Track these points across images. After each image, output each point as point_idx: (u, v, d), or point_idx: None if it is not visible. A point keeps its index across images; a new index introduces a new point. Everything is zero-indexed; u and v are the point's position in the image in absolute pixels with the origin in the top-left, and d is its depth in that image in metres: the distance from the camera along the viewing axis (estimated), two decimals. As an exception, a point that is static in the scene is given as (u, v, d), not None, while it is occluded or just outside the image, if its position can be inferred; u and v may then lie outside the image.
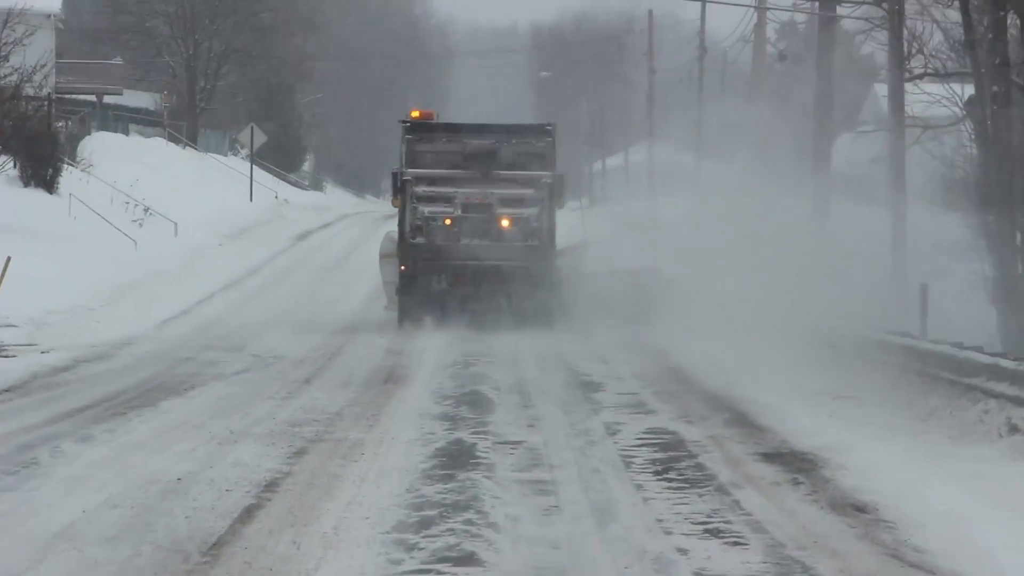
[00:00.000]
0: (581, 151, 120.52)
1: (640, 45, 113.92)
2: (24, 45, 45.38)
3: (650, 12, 71.20)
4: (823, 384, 22.49)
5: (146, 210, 52.16)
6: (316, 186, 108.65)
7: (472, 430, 17.94)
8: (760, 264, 31.11)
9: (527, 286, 33.26)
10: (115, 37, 78.21)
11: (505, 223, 33.74)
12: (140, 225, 51.04)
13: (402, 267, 33.77)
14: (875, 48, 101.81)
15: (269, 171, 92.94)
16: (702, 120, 66.33)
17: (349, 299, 39.00)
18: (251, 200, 69.14)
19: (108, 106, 76.02)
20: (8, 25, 46.90)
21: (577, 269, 36.51)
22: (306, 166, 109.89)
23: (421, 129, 34.58)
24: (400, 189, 33.86)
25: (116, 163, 59.80)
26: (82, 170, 53.95)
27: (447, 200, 33.83)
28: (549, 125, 35.54)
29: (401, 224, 34.14)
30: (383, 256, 35.46)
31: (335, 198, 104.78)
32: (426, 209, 33.80)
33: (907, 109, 33.52)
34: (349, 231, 65.90)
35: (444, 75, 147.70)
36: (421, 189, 33.84)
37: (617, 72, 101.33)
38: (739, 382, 22.30)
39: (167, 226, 52.50)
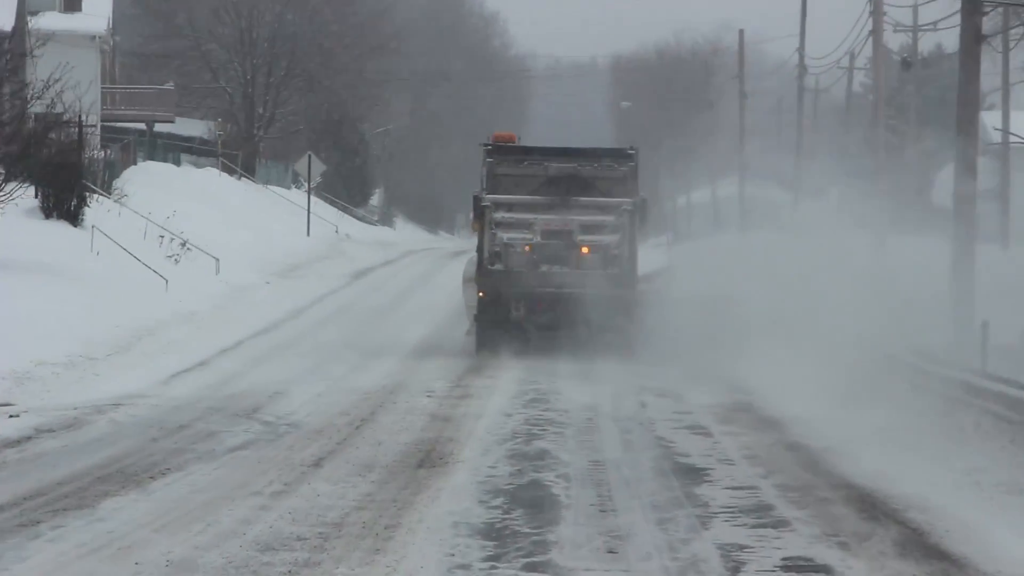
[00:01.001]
0: (664, 184, 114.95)
1: (729, 68, 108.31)
2: (62, 65, 39.95)
3: (741, 32, 65.48)
4: (976, 460, 16.97)
5: (183, 244, 46.86)
6: (386, 221, 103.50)
7: (525, 558, 12.31)
8: (841, 297, 30.83)
9: (607, 315, 32.44)
10: (168, 62, 73.18)
11: (585, 250, 33.02)
12: (176, 262, 45.78)
13: (480, 293, 33.18)
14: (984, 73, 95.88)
15: (334, 205, 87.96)
16: (800, 148, 60.33)
17: (398, 347, 33.39)
18: (308, 235, 63.88)
19: (159, 134, 71.07)
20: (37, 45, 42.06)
21: (660, 295, 36.79)
22: (375, 200, 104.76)
23: (502, 152, 33.99)
24: (479, 214, 33.33)
25: (158, 194, 54.80)
26: (115, 200, 48.83)
27: (526, 226, 33.25)
28: (632, 149, 34.56)
29: (480, 250, 33.52)
30: (465, 280, 35.27)
31: (405, 234, 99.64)
32: (505, 235, 33.16)
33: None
34: (412, 268, 60.54)
35: (521, 106, 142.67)
36: (500, 215, 33.23)
37: (702, 99, 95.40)
38: (880, 465, 16.87)
39: (208, 263, 47.23)
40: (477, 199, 33.54)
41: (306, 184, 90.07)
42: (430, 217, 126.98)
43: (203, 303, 40.79)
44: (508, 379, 28.58)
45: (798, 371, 27.09)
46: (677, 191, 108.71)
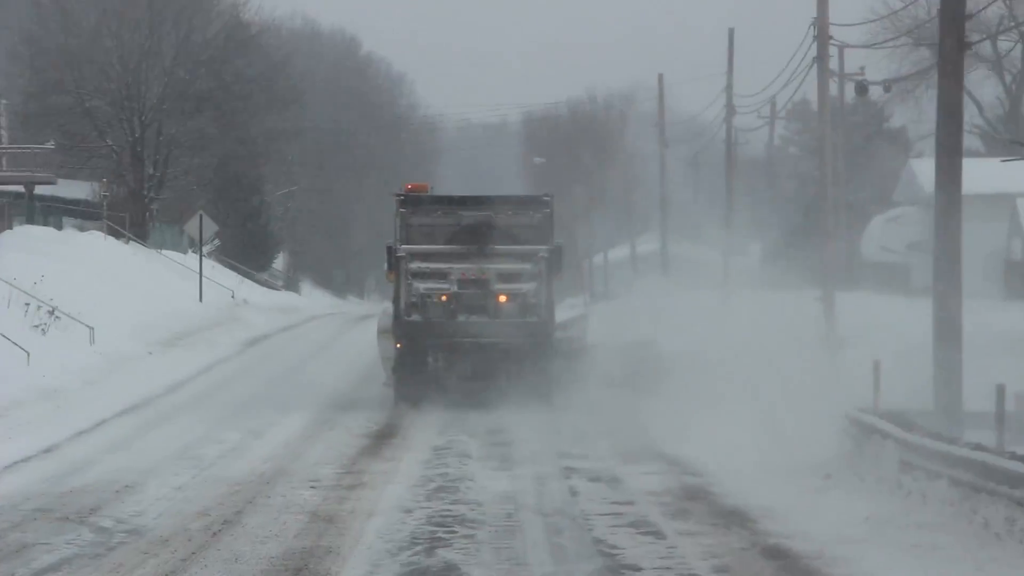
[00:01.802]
0: (580, 243, 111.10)
1: (645, 119, 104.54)
2: None
3: (660, 76, 61.50)
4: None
5: (51, 312, 42.04)
6: (291, 287, 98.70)
7: None
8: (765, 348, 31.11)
9: (526, 363, 32.47)
10: (49, 120, 68.14)
11: (502, 299, 32.80)
12: (43, 332, 40.91)
13: (397, 345, 32.92)
14: (908, 121, 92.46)
15: (235, 270, 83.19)
16: (730, 200, 56.33)
17: (285, 427, 28.77)
18: (200, 301, 59.07)
19: (40, 197, 66.14)
20: None
21: (577, 342, 36.92)
22: (279, 264, 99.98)
23: (415, 202, 33.62)
24: (394, 264, 33.08)
25: (33, 259, 49.82)
26: (-26, 266, 44.03)
27: (442, 276, 32.97)
28: (547, 196, 34.14)
29: (396, 300, 33.21)
30: (380, 332, 34.34)
31: (311, 299, 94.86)
32: (421, 285, 32.93)
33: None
34: (314, 334, 55.90)
35: (432, 165, 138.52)
36: (415, 265, 32.97)
37: (618, 151, 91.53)
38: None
39: (82, 333, 42.41)
40: (391, 249, 33.15)
41: (207, 249, 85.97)
42: (339, 282, 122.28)
43: (70, 377, 36.06)
44: (411, 461, 24.12)
45: (748, 436, 24.32)
46: (594, 249, 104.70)
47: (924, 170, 75.56)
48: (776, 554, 15.26)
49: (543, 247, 32.89)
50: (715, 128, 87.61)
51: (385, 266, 33.98)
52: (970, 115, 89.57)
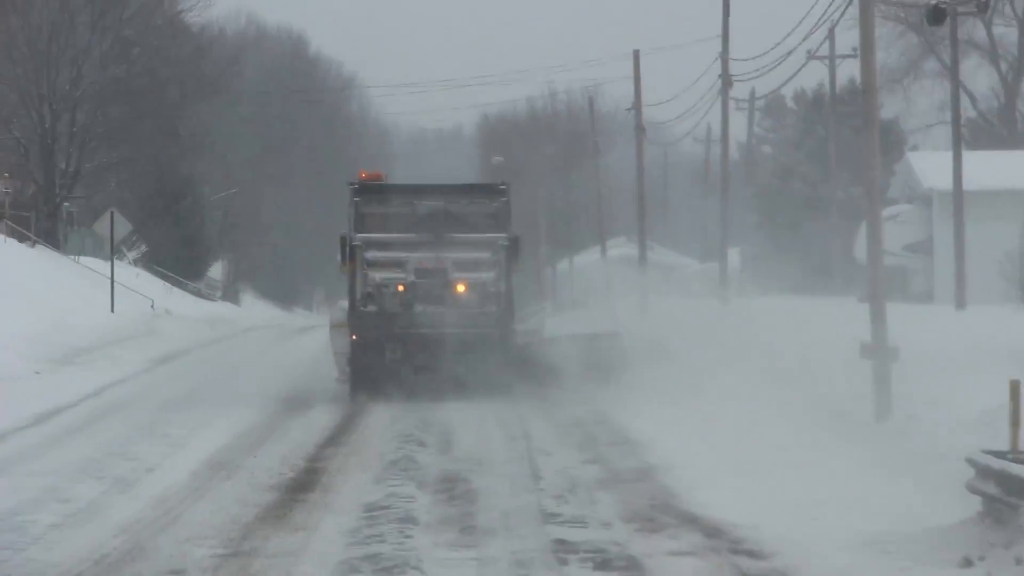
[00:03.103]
0: (541, 250, 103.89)
1: (612, 118, 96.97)
2: None
3: (636, 53, 54.08)
4: None
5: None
6: (230, 297, 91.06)
7: None
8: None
9: (486, 354, 31.65)
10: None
11: (461, 288, 32.33)
12: None
13: (353, 336, 31.94)
14: (899, 113, 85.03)
15: (167, 279, 75.50)
16: (726, 192, 48.95)
17: (166, 473, 21.05)
18: (112, 311, 51.42)
19: (-66, 195, 58.54)
20: None
21: (536, 334, 36.84)
22: (217, 273, 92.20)
23: (369, 191, 33.00)
24: (349, 255, 32.12)
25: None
26: None
27: (399, 265, 32.50)
28: (503, 184, 33.93)
29: (352, 291, 32.30)
30: (333, 325, 33.80)
31: (252, 310, 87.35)
32: (377, 275, 32.41)
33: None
34: (242, 348, 48.50)
35: (386, 170, 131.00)
36: (371, 254, 32.44)
37: (584, 145, 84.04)
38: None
39: (-54, 348, 34.94)
40: (345, 239, 32.18)
41: (133, 255, 78.14)
42: (284, 293, 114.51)
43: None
44: (329, 531, 16.61)
45: (803, 480, 19.27)
46: (556, 257, 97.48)
47: (923, 165, 68.17)
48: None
49: (502, 235, 32.15)
50: (693, 115, 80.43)
51: (338, 257, 32.62)
52: (963, 108, 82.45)
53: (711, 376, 29.75)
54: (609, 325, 38.31)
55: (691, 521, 16.72)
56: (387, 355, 31.74)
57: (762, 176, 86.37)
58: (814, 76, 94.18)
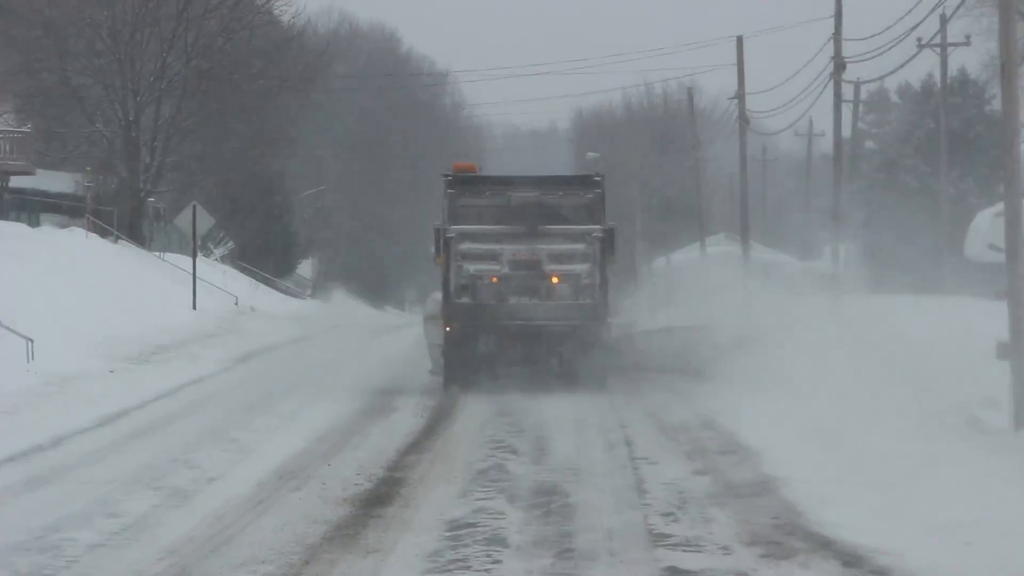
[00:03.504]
0: (636, 247, 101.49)
1: (710, 113, 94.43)
2: None
3: (739, 39, 51.59)
4: None
5: (-27, 321, 32.74)
6: (320, 295, 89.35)
7: None
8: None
9: (579, 347, 31.60)
10: (30, 103, 58.64)
11: (555, 280, 31.99)
12: (-44, 345, 31.70)
13: (447, 328, 31.88)
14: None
15: (255, 276, 73.84)
16: (839, 184, 46.33)
17: (229, 484, 18.96)
18: (194, 308, 49.68)
19: (16, 190, 56.99)
20: None
21: (631, 327, 37.20)
22: (307, 271, 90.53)
23: (463, 183, 32.72)
24: (443, 246, 32.00)
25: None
26: None
27: (493, 257, 32.20)
28: (598, 176, 33.47)
29: (445, 283, 32.15)
30: (427, 317, 34.25)
31: (342, 308, 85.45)
32: (472, 267, 32.16)
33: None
34: (326, 347, 46.53)
35: (481, 164, 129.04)
36: (465, 246, 32.11)
37: (684, 140, 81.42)
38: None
39: (17, 346, 33.19)
40: (439, 231, 32.10)
41: (220, 252, 76.55)
42: (376, 291, 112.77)
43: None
44: (407, 548, 14.52)
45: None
46: (653, 253, 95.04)
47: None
48: None
49: (597, 227, 31.90)
50: (796, 107, 77.73)
51: (432, 249, 32.52)
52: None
53: (822, 376, 27.43)
54: (703, 319, 37.49)
55: (824, 545, 14.47)
56: (480, 347, 31.78)
57: (867, 171, 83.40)
58: (920, 67, 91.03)
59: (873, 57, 36.36)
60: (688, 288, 59.64)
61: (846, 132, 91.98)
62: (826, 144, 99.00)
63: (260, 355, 42.31)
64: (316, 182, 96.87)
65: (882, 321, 32.20)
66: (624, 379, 32.55)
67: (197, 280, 52.49)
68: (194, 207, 49.86)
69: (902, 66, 42.23)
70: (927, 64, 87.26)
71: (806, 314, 35.36)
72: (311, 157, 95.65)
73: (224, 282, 61.43)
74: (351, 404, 28.68)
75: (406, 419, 26.64)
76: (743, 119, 50.42)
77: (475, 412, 27.56)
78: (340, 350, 44.82)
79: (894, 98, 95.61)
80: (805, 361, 28.77)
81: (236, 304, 55.05)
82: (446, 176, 32.95)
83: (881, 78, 53.30)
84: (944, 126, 59.72)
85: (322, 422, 25.68)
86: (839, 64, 37.00)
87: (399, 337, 51.72)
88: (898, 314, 34.36)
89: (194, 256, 51.38)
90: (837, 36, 37.67)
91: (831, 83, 42.19)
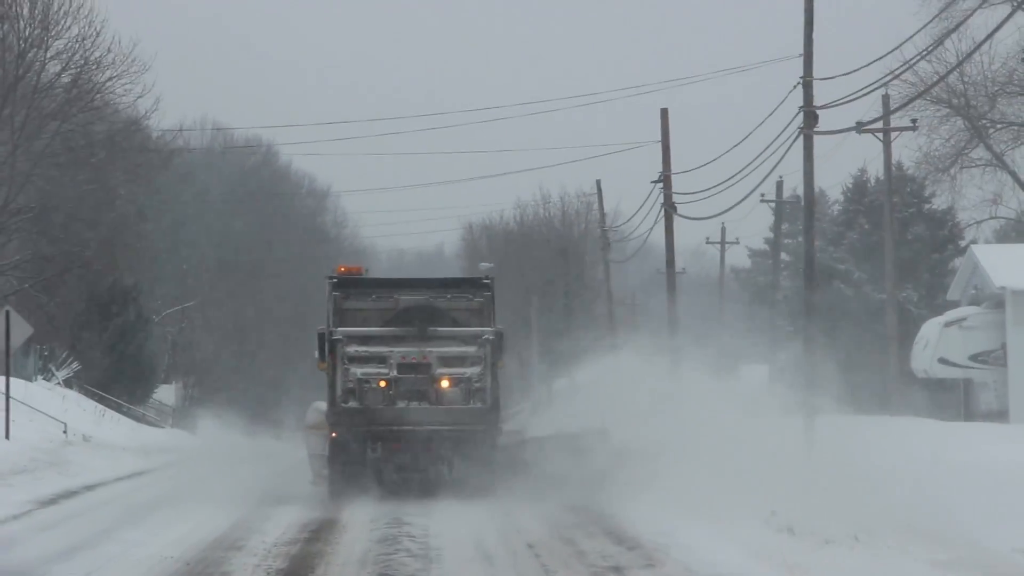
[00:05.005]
0: (534, 368, 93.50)
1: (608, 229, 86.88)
2: None
3: (598, 182, 44.66)
4: None
5: None
6: (183, 423, 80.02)
7: None
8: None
9: (470, 452, 31.02)
10: None
11: (446, 383, 31.33)
12: None
13: (333, 434, 31.12)
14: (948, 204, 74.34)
15: (105, 402, 64.65)
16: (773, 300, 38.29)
17: None
18: (7, 438, 40.54)
19: None
20: None
21: (520, 433, 35.82)
22: (167, 397, 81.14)
23: (349, 284, 32.29)
24: (329, 350, 31.28)
25: None
26: None
27: (381, 360, 31.35)
28: (487, 278, 33.44)
29: (331, 388, 31.24)
30: (309, 427, 33.72)
31: (204, 437, 76.23)
32: (359, 370, 31.27)
33: None
34: (165, 483, 37.56)
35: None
36: (352, 349, 31.35)
37: (581, 252, 73.60)
38: None
39: None
40: (323, 335, 31.50)
41: (64, 374, 67.36)
42: (251, 417, 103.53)
43: None
44: None
45: None
46: (552, 376, 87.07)
47: (993, 260, 57.47)
48: None
49: (487, 329, 31.58)
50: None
51: (316, 354, 32.13)
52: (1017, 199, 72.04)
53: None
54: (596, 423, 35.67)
55: None
56: (368, 453, 31.11)
57: (789, 281, 75.56)
58: (850, 162, 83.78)
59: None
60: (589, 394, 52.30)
61: (757, 244, 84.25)
62: (735, 256, 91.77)
63: (79, 495, 33.39)
64: (181, 300, 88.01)
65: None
66: (520, 487, 30.93)
67: (18, 405, 43.44)
68: (7, 313, 40.83)
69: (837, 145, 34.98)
70: (857, 157, 79.87)
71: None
72: (176, 272, 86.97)
73: (63, 408, 52.48)
74: (174, 556, 19.91)
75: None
76: (669, 205, 42.33)
77: (363, 521, 24.96)
78: (180, 488, 35.81)
79: (830, 195, 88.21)
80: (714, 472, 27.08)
81: (65, 433, 45.87)
82: (331, 279, 32.26)
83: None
84: (889, 220, 51.89)
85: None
86: (810, 113, 29.17)
87: (264, 467, 43.40)
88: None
89: (7, 373, 42.13)
90: (807, 79, 29.73)
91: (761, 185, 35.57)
